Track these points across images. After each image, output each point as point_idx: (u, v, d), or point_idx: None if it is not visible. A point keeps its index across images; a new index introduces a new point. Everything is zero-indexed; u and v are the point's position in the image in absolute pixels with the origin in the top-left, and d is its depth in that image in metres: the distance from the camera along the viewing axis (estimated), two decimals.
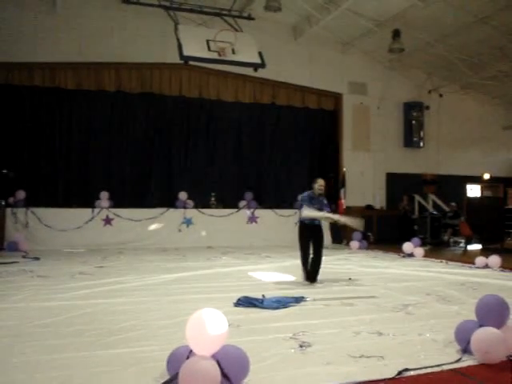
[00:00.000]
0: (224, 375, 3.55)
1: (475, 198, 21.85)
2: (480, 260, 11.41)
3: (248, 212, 16.55)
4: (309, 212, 8.91)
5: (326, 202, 9.15)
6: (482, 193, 22.25)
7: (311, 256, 9.04)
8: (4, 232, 14.03)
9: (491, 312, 4.63)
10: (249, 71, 14.66)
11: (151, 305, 6.79)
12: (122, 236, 14.94)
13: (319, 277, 9.13)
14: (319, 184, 9.09)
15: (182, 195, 15.99)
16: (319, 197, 9.08)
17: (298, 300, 7.07)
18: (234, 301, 6.84)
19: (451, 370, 4.28)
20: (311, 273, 9.02)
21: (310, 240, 9.05)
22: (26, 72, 15.52)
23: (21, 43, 14.74)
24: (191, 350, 3.64)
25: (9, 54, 14.64)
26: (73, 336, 5.15)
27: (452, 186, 20.11)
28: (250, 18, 15.58)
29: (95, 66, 16.05)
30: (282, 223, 16.30)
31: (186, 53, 12.84)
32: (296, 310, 6.58)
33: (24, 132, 15.42)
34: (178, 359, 3.68)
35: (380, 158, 19.54)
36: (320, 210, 8.95)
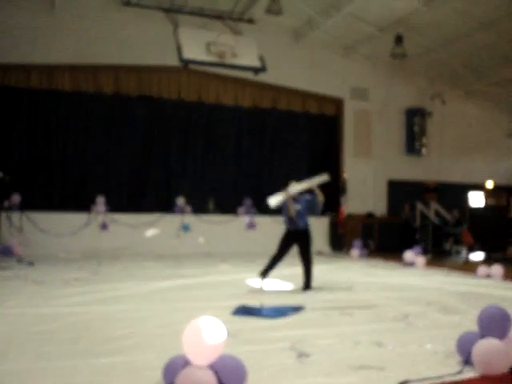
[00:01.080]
0: None
1: (478, 207, 21.79)
2: (482, 269, 11.31)
3: (247, 218, 16.48)
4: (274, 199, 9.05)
5: (307, 197, 9.15)
6: (485, 201, 22.18)
7: (302, 264, 9.04)
8: None
9: (493, 323, 4.55)
10: (249, 75, 14.66)
11: (147, 312, 6.72)
12: (119, 242, 14.83)
13: (320, 285, 9.12)
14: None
15: (180, 200, 15.91)
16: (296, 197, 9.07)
17: (297, 309, 6.99)
18: (232, 310, 6.76)
19: (452, 381, 4.20)
20: (305, 281, 9.01)
21: (293, 245, 9.08)
22: (23, 73, 15.49)
23: (18, 44, 14.72)
24: (188, 360, 3.58)
25: (6, 56, 14.65)
26: (67, 343, 5.09)
27: (454, 193, 20.07)
28: (250, 21, 15.57)
29: (93, 68, 16.04)
30: (281, 230, 16.10)
31: (185, 56, 12.84)
32: (295, 320, 6.49)
33: (20, 134, 15.39)
34: (174, 369, 3.63)
35: (381, 164, 19.49)
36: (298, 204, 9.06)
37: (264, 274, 9.00)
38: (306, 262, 9.02)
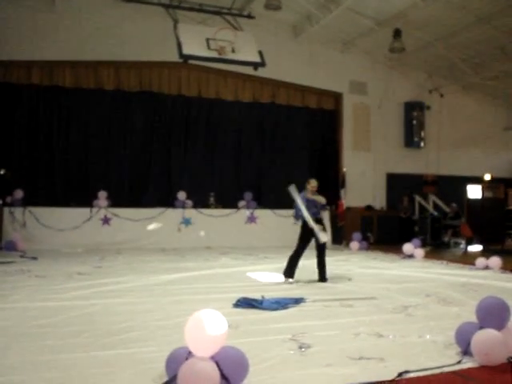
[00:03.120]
0: (223, 377, 3.54)
1: (476, 199, 21.81)
2: (480, 261, 11.39)
3: (247, 212, 16.50)
4: (306, 214, 8.99)
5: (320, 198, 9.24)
6: (482, 193, 22.21)
7: (316, 258, 9.23)
8: (2, 231, 14.01)
9: (492, 314, 4.61)
10: (248, 70, 14.62)
11: (150, 305, 6.77)
12: (121, 236, 14.87)
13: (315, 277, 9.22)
14: (311, 185, 9.25)
15: (181, 195, 15.94)
16: (313, 196, 9.20)
17: (298, 301, 7.06)
18: (233, 302, 6.82)
19: (451, 371, 4.27)
20: (321, 274, 9.20)
21: (310, 240, 9.14)
22: (24, 70, 15.48)
23: (19, 41, 14.69)
24: (190, 352, 3.62)
25: (7, 52, 14.61)
26: (70, 337, 5.13)
27: (453, 186, 20.07)
28: (250, 16, 15.53)
29: (94, 65, 16.01)
30: (281, 223, 16.21)
31: (185, 51, 12.81)
32: (295, 311, 6.57)
33: (21, 131, 15.38)
34: (177, 360, 3.67)
35: (380, 158, 19.50)
36: (315, 209, 9.21)
37: (290, 273, 9.13)
38: (322, 255, 9.16)
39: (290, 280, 9.04)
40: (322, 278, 9.17)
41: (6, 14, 14.70)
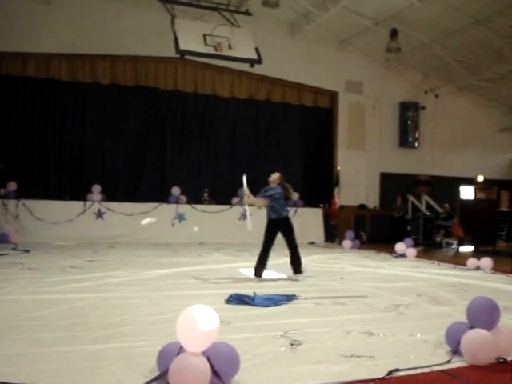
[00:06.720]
0: (214, 372, 3.54)
1: (468, 200, 21.89)
2: (472, 262, 11.41)
3: (241, 209, 16.48)
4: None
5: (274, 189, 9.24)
6: (475, 195, 22.29)
7: (288, 250, 9.13)
8: None
9: (482, 314, 4.62)
10: (245, 67, 14.60)
11: (142, 300, 6.76)
12: (114, 230, 14.85)
13: (312, 274, 9.23)
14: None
15: (175, 190, 15.93)
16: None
17: (290, 298, 7.04)
18: (226, 298, 6.81)
19: (441, 370, 4.27)
20: (294, 266, 9.10)
21: (277, 234, 9.09)
22: (20, 62, 15.45)
23: (15, 33, 14.63)
24: (181, 347, 3.62)
25: (2, 44, 14.56)
26: (62, 330, 5.11)
27: (446, 187, 20.13)
28: (247, 13, 15.48)
29: (90, 58, 16.00)
30: None
31: (182, 47, 12.78)
32: (287, 308, 6.56)
33: (16, 123, 15.35)
34: (168, 355, 3.67)
35: (374, 157, 19.54)
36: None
37: (259, 272, 9.03)
38: (294, 248, 9.10)
39: (258, 279, 8.99)
40: (297, 270, 9.10)
41: (1, 5, 14.61)
